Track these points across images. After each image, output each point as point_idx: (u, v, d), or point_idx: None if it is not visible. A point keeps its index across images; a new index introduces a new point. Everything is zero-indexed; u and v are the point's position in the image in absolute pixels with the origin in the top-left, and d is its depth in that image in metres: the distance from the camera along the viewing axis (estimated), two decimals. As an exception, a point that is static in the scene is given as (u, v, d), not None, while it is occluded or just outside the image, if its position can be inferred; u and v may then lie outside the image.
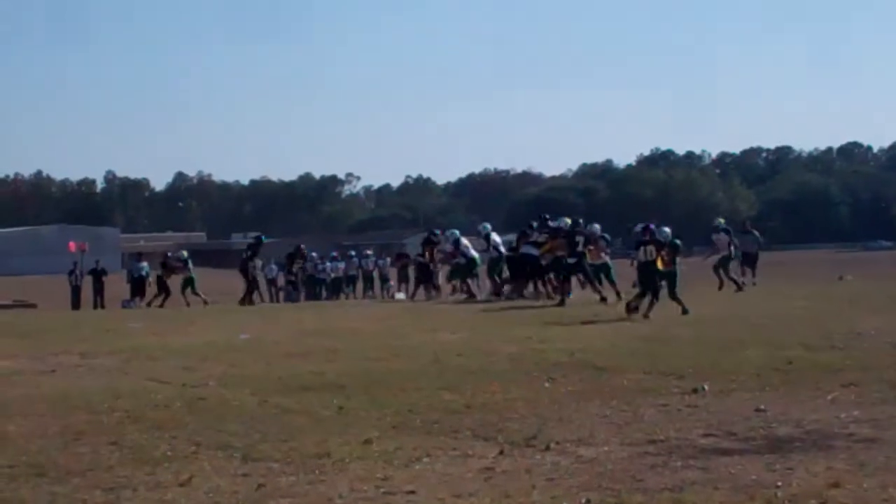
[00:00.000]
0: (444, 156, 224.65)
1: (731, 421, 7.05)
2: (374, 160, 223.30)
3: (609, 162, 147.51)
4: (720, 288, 20.86)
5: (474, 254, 21.40)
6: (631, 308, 14.95)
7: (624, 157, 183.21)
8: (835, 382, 8.53)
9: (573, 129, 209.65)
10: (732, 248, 21.78)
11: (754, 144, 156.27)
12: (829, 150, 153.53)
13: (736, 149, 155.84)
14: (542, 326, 13.81)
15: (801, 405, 7.61)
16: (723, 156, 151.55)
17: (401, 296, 26.80)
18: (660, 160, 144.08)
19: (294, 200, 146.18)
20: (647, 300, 14.95)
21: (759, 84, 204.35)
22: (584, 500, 5.14)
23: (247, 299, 24.99)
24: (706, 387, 8.42)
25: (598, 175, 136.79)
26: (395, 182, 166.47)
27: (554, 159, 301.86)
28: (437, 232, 24.32)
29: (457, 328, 13.94)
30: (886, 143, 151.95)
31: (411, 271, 27.12)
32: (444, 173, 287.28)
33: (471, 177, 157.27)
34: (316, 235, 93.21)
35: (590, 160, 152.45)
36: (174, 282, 26.28)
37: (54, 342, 13.39)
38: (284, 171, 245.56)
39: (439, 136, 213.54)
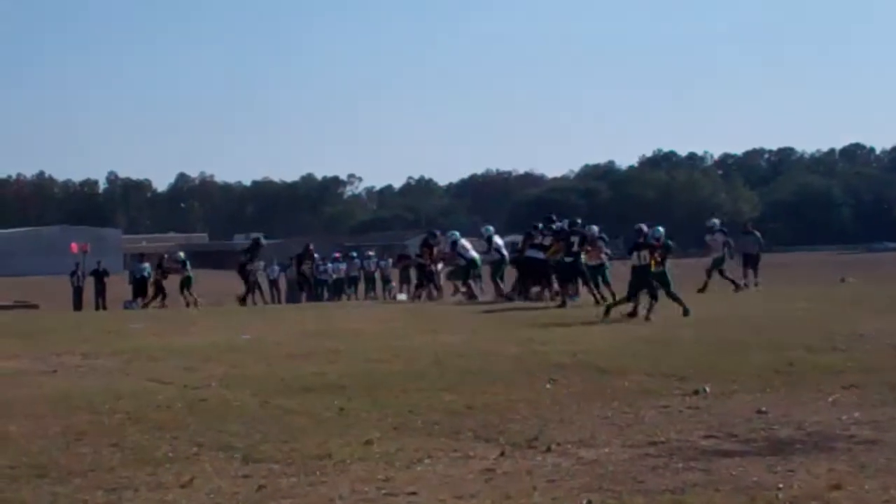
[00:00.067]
0: (446, 157, 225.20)
1: (733, 422, 7.05)
2: (376, 161, 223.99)
3: (611, 163, 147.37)
4: (702, 290, 20.18)
5: (474, 254, 21.40)
6: (630, 313, 14.97)
7: (626, 159, 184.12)
8: (836, 384, 8.53)
9: (575, 131, 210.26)
10: (726, 249, 21.46)
11: (756, 146, 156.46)
12: (832, 151, 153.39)
13: (738, 150, 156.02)
14: (543, 328, 13.83)
15: (802, 407, 7.61)
16: (725, 157, 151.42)
17: (402, 297, 26.80)
18: (662, 161, 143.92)
19: (296, 201, 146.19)
20: (646, 302, 14.95)
21: (762, 85, 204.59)
22: (585, 502, 5.14)
23: (245, 299, 25.23)
24: (707, 388, 8.41)
25: (601, 176, 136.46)
26: (397, 183, 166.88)
27: (556, 160, 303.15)
28: (437, 233, 24.33)
29: (458, 329, 13.95)
30: (889, 145, 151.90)
31: (413, 272, 27.12)
32: (446, 174, 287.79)
33: (473, 178, 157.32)
34: (318, 236, 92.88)
35: (592, 161, 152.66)
36: (172, 283, 26.34)
37: (56, 343, 13.42)
38: (286, 171, 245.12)
39: (441, 137, 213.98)
